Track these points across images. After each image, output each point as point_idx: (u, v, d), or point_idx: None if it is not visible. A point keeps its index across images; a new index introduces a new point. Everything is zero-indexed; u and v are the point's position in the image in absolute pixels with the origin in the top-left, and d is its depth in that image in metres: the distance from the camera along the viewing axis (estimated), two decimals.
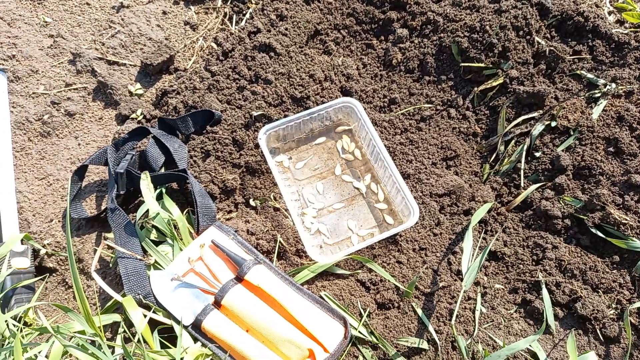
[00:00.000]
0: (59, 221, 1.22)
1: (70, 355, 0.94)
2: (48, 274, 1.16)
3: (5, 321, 0.90)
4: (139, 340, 0.83)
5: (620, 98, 1.20)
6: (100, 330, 0.84)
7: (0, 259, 1.08)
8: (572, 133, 1.18)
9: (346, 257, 1.08)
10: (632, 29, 1.28)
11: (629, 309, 0.99)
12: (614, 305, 1.02)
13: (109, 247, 1.13)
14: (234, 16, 1.45)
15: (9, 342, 0.92)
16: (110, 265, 1.12)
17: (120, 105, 1.34)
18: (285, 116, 1.24)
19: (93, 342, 0.87)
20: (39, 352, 0.87)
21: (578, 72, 1.24)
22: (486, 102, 1.28)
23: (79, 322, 0.82)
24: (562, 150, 1.17)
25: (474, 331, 1.00)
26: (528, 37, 1.25)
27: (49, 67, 1.40)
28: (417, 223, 1.14)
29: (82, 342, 0.78)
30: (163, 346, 0.94)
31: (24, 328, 0.99)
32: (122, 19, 1.46)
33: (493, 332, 1.01)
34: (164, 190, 1.13)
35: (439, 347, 0.99)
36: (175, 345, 0.91)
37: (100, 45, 1.43)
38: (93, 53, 1.41)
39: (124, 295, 0.99)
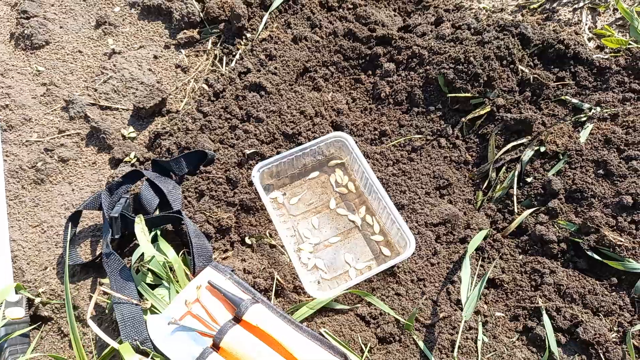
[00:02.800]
0: (53, 268, 1.21)
1: None
2: (43, 323, 1.14)
3: None
4: None
5: (606, 121, 1.22)
6: None
7: None
8: (561, 157, 1.20)
9: (344, 292, 1.07)
10: (612, 54, 1.31)
11: (631, 332, 0.98)
12: (615, 328, 1.01)
13: (105, 293, 1.12)
14: (224, 58, 1.48)
15: None
16: (107, 311, 1.11)
17: (113, 149, 1.35)
18: (278, 153, 1.25)
19: None
20: None
21: (563, 97, 1.27)
22: (475, 131, 1.30)
23: None
24: (553, 175, 1.18)
25: None
26: (512, 66, 1.28)
27: (42, 114, 1.42)
28: (414, 253, 1.14)
29: None
30: None
31: None
32: (114, 65, 1.49)
33: None
34: (158, 233, 1.13)
35: None
36: None
37: (93, 91, 1.45)
38: (86, 99, 1.43)
39: (120, 342, 0.97)
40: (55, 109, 1.43)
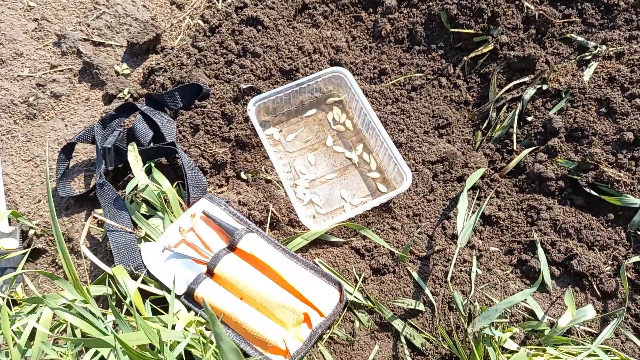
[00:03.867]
0: (47, 201, 1.20)
1: (63, 332, 0.92)
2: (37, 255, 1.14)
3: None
4: (129, 307, 0.81)
5: (611, 59, 1.20)
6: (91, 298, 0.82)
7: None
8: (563, 96, 1.17)
9: (340, 225, 1.07)
10: None
11: (625, 264, 0.98)
12: (610, 262, 1.01)
13: (98, 223, 1.11)
14: None
15: None
16: (100, 241, 1.10)
17: (106, 85, 1.32)
18: (275, 88, 1.22)
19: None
20: (27, 324, 0.85)
21: (568, 35, 1.23)
22: (477, 70, 1.27)
23: (67, 289, 0.80)
24: (554, 113, 1.16)
25: (470, 291, 0.99)
26: (517, 1, 1.25)
27: (33, 50, 1.38)
28: (410, 190, 1.13)
29: (73, 308, 0.76)
30: (155, 314, 0.92)
31: (13, 304, 0.97)
32: (107, 1, 1.45)
33: (490, 292, 1.00)
34: (152, 165, 1.12)
35: (436, 309, 0.97)
36: (164, 313, 0.89)
37: (86, 27, 1.41)
38: (78, 34, 1.39)
39: (113, 268, 0.97)
40: (47, 44, 1.39)
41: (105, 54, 1.37)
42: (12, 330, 0.81)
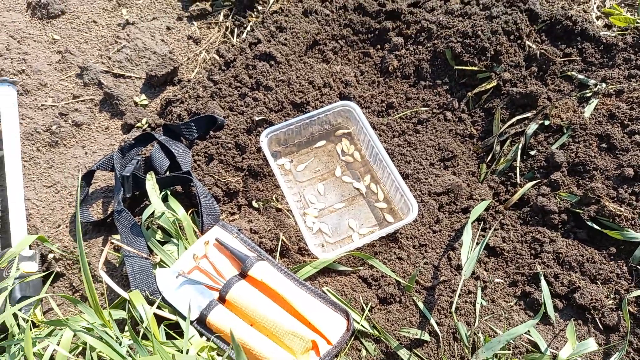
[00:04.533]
0: (66, 226, 1.25)
1: (79, 354, 0.96)
2: (55, 279, 1.18)
3: (14, 315, 0.92)
4: (146, 331, 0.84)
5: (611, 97, 1.24)
6: (109, 322, 0.86)
7: (9, 260, 1.10)
8: (565, 131, 1.21)
9: (347, 254, 1.10)
10: (619, 32, 1.32)
11: (627, 298, 1.00)
12: (612, 295, 1.03)
13: (115, 248, 1.15)
14: (236, 29, 1.51)
15: (18, 339, 0.93)
16: (117, 266, 1.14)
17: (126, 115, 1.38)
18: (286, 121, 1.28)
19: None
20: (48, 346, 0.89)
21: (569, 73, 1.28)
22: (481, 105, 1.31)
23: (88, 313, 0.84)
24: (557, 148, 1.20)
25: (474, 322, 1.01)
26: (519, 41, 1.30)
27: (57, 80, 1.45)
28: (416, 220, 1.17)
29: (93, 330, 0.79)
30: (169, 338, 0.95)
31: (32, 327, 1.01)
32: (128, 35, 1.52)
33: (494, 323, 1.02)
34: (168, 192, 1.16)
35: (441, 339, 1.00)
36: (178, 338, 0.93)
37: (107, 60, 1.48)
38: (100, 67, 1.46)
39: (129, 293, 1.00)
40: (70, 75, 1.46)
41: (125, 85, 1.44)
42: (33, 352, 0.85)
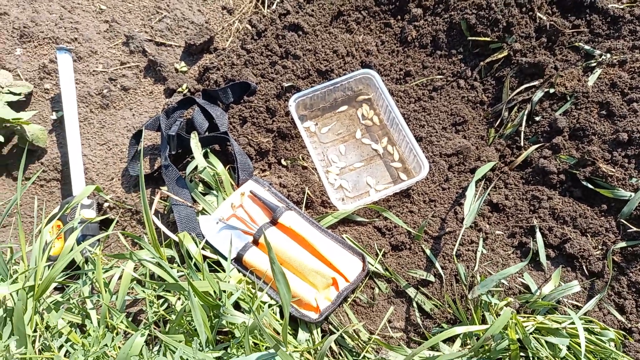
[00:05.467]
0: (118, 179, 1.43)
1: (132, 289, 1.14)
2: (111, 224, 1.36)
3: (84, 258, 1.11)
4: (197, 262, 1.02)
5: (614, 67, 1.33)
6: (164, 257, 1.04)
7: (72, 207, 1.29)
8: (569, 99, 1.32)
9: (365, 207, 1.25)
10: (628, 4, 1.39)
11: (612, 248, 1.13)
12: (599, 246, 1.16)
13: (163, 198, 1.32)
14: (266, 0, 1.63)
15: (87, 269, 1.12)
16: (165, 213, 1.32)
17: (168, 80, 1.53)
18: (312, 87, 1.41)
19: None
20: (113, 275, 1.07)
21: (576, 44, 1.37)
22: (492, 73, 1.42)
23: (147, 249, 1.02)
24: (560, 114, 1.31)
25: (474, 267, 1.16)
26: (530, 13, 1.39)
27: (105, 48, 1.61)
28: (427, 178, 1.30)
29: (156, 261, 0.97)
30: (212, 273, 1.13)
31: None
32: (168, 5, 1.65)
33: (492, 268, 1.17)
34: (208, 150, 1.32)
35: (444, 280, 1.15)
36: (221, 270, 1.10)
37: (150, 29, 1.62)
38: (143, 36, 1.60)
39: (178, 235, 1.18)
40: (117, 44, 1.61)
41: (166, 53, 1.58)
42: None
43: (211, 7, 1.67)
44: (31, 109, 1.53)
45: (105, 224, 1.36)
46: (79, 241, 1.27)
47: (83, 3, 1.70)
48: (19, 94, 1.49)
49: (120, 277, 1.06)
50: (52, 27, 1.61)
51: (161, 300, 1.06)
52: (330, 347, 1.10)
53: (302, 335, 1.08)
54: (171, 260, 1.16)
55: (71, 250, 1.01)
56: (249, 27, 1.58)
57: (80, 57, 1.58)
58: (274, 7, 1.59)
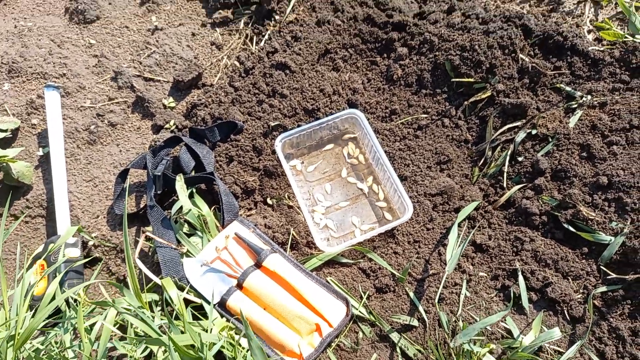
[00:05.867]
0: (103, 217, 1.43)
1: (114, 335, 1.14)
2: (94, 263, 1.36)
3: (66, 300, 1.10)
4: (176, 313, 1.02)
5: (595, 109, 1.35)
6: (146, 304, 1.04)
7: (58, 248, 1.29)
8: (550, 140, 1.34)
9: (350, 248, 1.25)
10: (608, 47, 1.43)
11: (593, 293, 1.14)
12: (581, 290, 1.17)
13: (148, 239, 1.33)
14: (254, 37, 1.65)
15: (68, 315, 1.12)
16: (149, 254, 1.32)
17: (155, 116, 1.54)
18: (299, 126, 1.42)
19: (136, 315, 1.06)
20: (95, 322, 1.07)
21: (558, 85, 1.39)
22: (476, 113, 1.44)
23: (129, 297, 1.01)
24: (542, 155, 1.33)
25: (457, 311, 1.17)
26: (513, 54, 1.41)
27: (94, 83, 1.61)
28: (412, 219, 1.31)
29: (135, 312, 0.97)
30: (195, 319, 1.13)
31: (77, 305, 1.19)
32: (157, 40, 1.67)
33: (475, 312, 1.18)
34: (194, 190, 1.33)
35: (427, 324, 1.16)
36: (203, 318, 1.10)
37: (138, 64, 1.64)
38: (132, 71, 1.62)
39: (161, 279, 1.18)
40: (105, 79, 1.62)
41: (154, 89, 1.59)
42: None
43: (200, 42, 1.69)
44: (18, 145, 1.53)
45: (90, 261, 1.36)
46: (62, 283, 1.27)
47: (72, 37, 1.71)
48: (6, 130, 1.49)
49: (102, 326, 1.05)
50: (41, 62, 1.62)
51: (143, 347, 1.06)
52: None
53: None
54: (154, 305, 1.16)
55: (53, 298, 1.01)
56: (237, 64, 1.59)
57: (69, 93, 1.59)
58: (262, 44, 1.61)
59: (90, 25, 1.73)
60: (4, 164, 1.41)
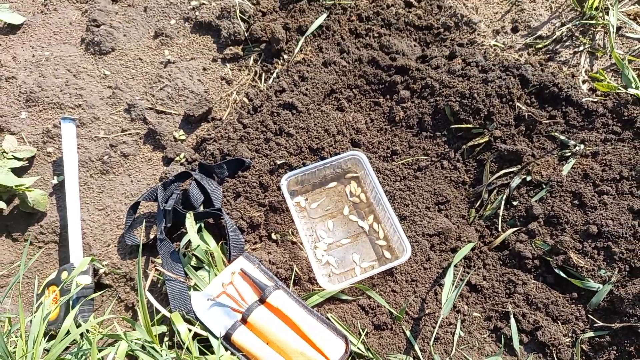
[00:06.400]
0: (114, 246, 1.49)
1: None
2: (105, 290, 1.42)
3: (82, 332, 1.16)
4: (185, 347, 1.07)
5: (587, 157, 1.42)
6: (155, 338, 1.09)
7: (71, 278, 1.34)
8: (544, 186, 1.40)
9: (350, 286, 1.31)
10: (602, 97, 1.50)
11: (581, 338, 1.20)
12: (569, 335, 1.23)
13: (157, 271, 1.38)
14: (263, 75, 1.72)
15: (81, 346, 1.17)
16: (158, 285, 1.37)
17: (166, 149, 1.61)
18: (304, 164, 1.49)
19: (143, 347, 1.12)
20: (107, 355, 1.12)
21: (552, 133, 1.46)
22: (474, 156, 1.50)
23: (140, 331, 1.07)
24: (536, 201, 1.39)
25: (451, 351, 1.22)
26: (510, 103, 1.48)
27: (108, 114, 1.68)
28: (410, 258, 1.37)
29: (145, 346, 1.02)
30: (201, 353, 1.18)
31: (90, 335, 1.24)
32: (169, 74, 1.74)
33: (468, 352, 1.23)
34: (202, 225, 1.39)
35: None
36: (209, 353, 1.15)
37: (151, 97, 1.70)
38: (145, 103, 1.68)
39: (170, 311, 1.24)
40: (119, 110, 1.69)
41: (166, 122, 1.66)
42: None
43: (211, 77, 1.76)
44: (33, 172, 1.59)
45: (100, 287, 1.42)
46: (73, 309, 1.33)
47: (88, 67, 1.78)
48: (22, 159, 1.55)
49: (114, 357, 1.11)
50: (57, 92, 1.69)
51: None
52: None
53: None
54: (163, 336, 1.22)
55: (67, 333, 1.06)
56: (246, 101, 1.66)
57: (83, 123, 1.65)
58: (270, 82, 1.68)
59: (105, 57, 1.80)
60: (21, 192, 1.47)
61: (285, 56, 1.72)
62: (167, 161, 1.60)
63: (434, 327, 1.26)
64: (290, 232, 1.43)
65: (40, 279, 1.45)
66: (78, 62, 1.80)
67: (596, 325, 1.20)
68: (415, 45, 1.72)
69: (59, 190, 1.57)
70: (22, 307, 1.12)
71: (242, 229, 1.41)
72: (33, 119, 1.67)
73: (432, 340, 1.22)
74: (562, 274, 1.28)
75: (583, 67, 1.59)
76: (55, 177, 1.58)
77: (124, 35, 1.85)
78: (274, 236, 1.43)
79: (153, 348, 1.07)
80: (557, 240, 1.31)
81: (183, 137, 1.64)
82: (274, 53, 1.74)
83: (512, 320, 1.24)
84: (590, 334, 1.21)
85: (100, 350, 1.14)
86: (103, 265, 1.43)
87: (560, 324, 1.25)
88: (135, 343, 1.07)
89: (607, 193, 1.34)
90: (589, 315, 1.24)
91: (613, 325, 1.18)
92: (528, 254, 1.33)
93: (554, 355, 1.22)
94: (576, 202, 1.36)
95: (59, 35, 1.89)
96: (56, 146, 1.63)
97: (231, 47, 1.78)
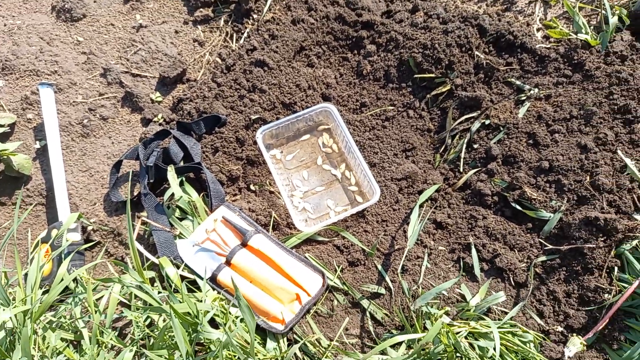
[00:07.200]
0: (100, 204, 1.56)
1: (118, 306, 1.28)
2: (94, 246, 1.50)
3: (76, 278, 1.24)
4: (173, 288, 1.17)
5: (541, 100, 1.52)
6: (146, 280, 1.18)
7: (61, 233, 1.42)
8: (502, 129, 1.51)
9: (325, 228, 1.41)
10: (554, 44, 1.59)
11: (535, 262, 1.33)
12: (525, 260, 1.36)
13: (144, 223, 1.46)
14: (234, 35, 1.77)
15: (76, 293, 1.26)
16: (145, 237, 1.46)
17: (144, 110, 1.66)
18: (277, 119, 1.56)
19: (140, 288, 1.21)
20: (102, 297, 1.21)
21: (509, 79, 1.56)
22: (437, 104, 1.60)
23: (131, 274, 1.16)
24: (494, 143, 1.50)
25: (419, 280, 1.34)
26: (469, 52, 1.57)
27: (84, 79, 1.72)
28: (380, 201, 1.48)
29: (139, 286, 1.12)
30: (190, 292, 1.28)
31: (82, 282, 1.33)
32: (142, 38, 1.78)
33: (434, 281, 1.35)
34: (184, 179, 1.46)
35: (393, 292, 1.33)
36: (197, 290, 1.25)
37: (125, 61, 1.75)
38: (120, 67, 1.73)
39: (158, 258, 1.32)
40: (95, 75, 1.73)
41: (142, 84, 1.71)
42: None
43: (183, 39, 1.80)
44: (15, 138, 1.64)
45: (88, 244, 1.49)
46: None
47: (61, 35, 1.81)
48: (4, 125, 1.60)
49: (108, 299, 1.20)
50: (33, 60, 1.72)
51: (144, 316, 1.21)
52: (295, 354, 1.26)
53: (270, 344, 1.24)
54: (152, 280, 1.31)
55: (61, 280, 1.15)
56: (219, 61, 1.72)
57: (61, 89, 1.69)
58: (241, 41, 1.74)
59: (77, 23, 1.83)
60: (5, 157, 1.52)
61: (255, 16, 1.77)
62: (146, 122, 1.66)
63: (401, 261, 1.37)
64: (267, 183, 1.52)
65: (31, 239, 1.52)
66: (50, 30, 1.82)
67: (547, 248, 1.33)
68: (380, 1, 1.78)
69: (42, 155, 1.63)
70: (18, 257, 1.19)
71: (222, 182, 1.49)
72: (10, 86, 1.70)
73: (400, 270, 1.34)
74: (518, 207, 1.40)
75: (537, 15, 1.68)
76: (37, 142, 1.63)
77: (94, 2, 1.87)
78: (252, 187, 1.52)
79: (145, 291, 1.16)
80: (513, 177, 1.42)
81: (160, 99, 1.70)
82: (244, 13, 1.78)
83: (474, 250, 1.37)
84: (543, 258, 1.34)
85: (94, 294, 1.23)
86: (91, 223, 1.50)
87: (516, 251, 1.38)
88: (128, 287, 1.16)
89: (559, 132, 1.45)
90: (541, 242, 1.37)
91: (562, 247, 1.31)
92: (488, 192, 1.44)
93: (511, 279, 1.35)
94: (531, 141, 1.47)
95: (29, 4, 1.90)
96: (36, 112, 1.67)
97: (201, 9, 1.83)
